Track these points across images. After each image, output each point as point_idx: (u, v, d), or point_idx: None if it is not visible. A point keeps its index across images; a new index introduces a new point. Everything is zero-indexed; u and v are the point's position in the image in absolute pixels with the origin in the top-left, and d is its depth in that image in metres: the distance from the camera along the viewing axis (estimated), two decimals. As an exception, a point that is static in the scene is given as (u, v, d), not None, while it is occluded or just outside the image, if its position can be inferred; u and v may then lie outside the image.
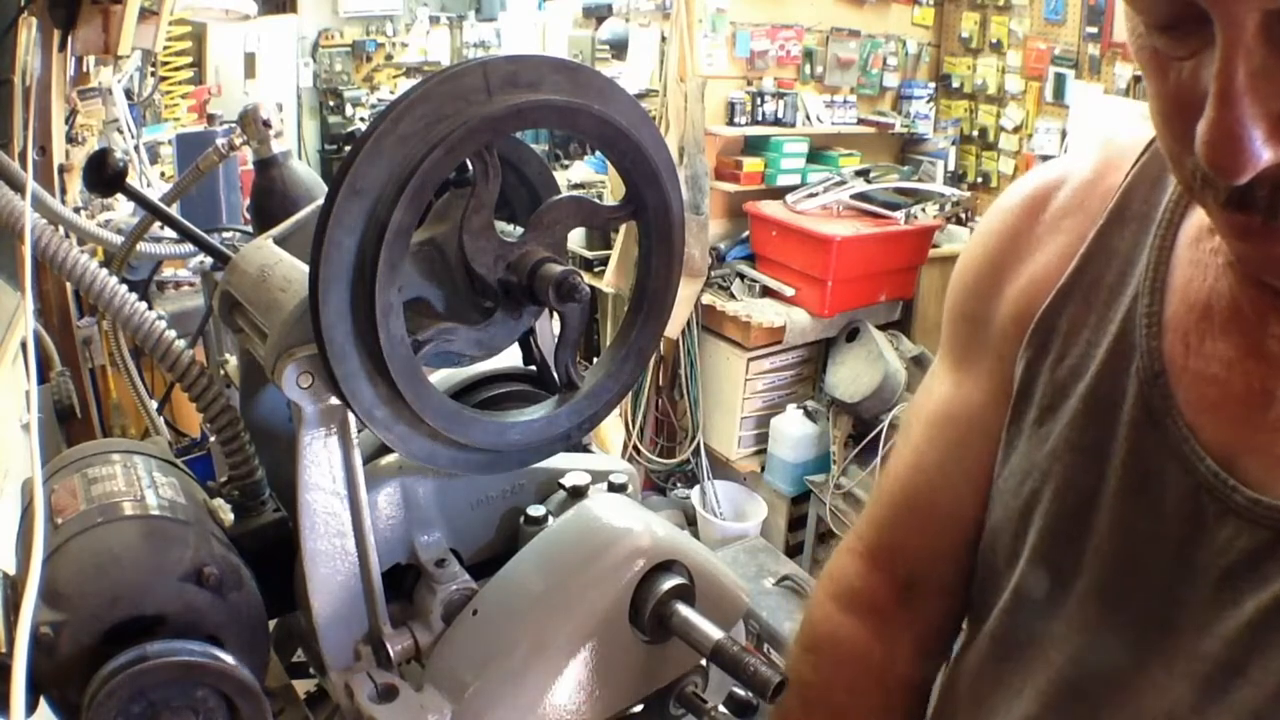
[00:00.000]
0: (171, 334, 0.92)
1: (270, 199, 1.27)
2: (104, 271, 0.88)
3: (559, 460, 1.07)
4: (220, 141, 1.40)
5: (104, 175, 1.07)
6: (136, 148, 3.49)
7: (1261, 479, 0.70)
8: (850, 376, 3.97)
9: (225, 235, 1.66)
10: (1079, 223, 0.86)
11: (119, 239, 1.90)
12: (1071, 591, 0.81)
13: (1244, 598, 0.69)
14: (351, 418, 0.89)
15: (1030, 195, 0.92)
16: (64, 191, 2.74)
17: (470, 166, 0.86)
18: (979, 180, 4.99)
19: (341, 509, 0.92)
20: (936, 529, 1.00)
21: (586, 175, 5.27)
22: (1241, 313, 0.73)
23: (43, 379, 2.27)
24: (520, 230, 0.92)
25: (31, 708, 0.79)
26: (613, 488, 1.11)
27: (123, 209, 3.01)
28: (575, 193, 0.98)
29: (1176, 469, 0.74)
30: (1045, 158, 4.48)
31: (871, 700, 1.05)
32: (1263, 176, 0.57)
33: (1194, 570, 0.72)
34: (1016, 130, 4.74)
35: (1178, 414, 0.74)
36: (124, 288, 0.89)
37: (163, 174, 4.03)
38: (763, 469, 4.39)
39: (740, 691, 1.22)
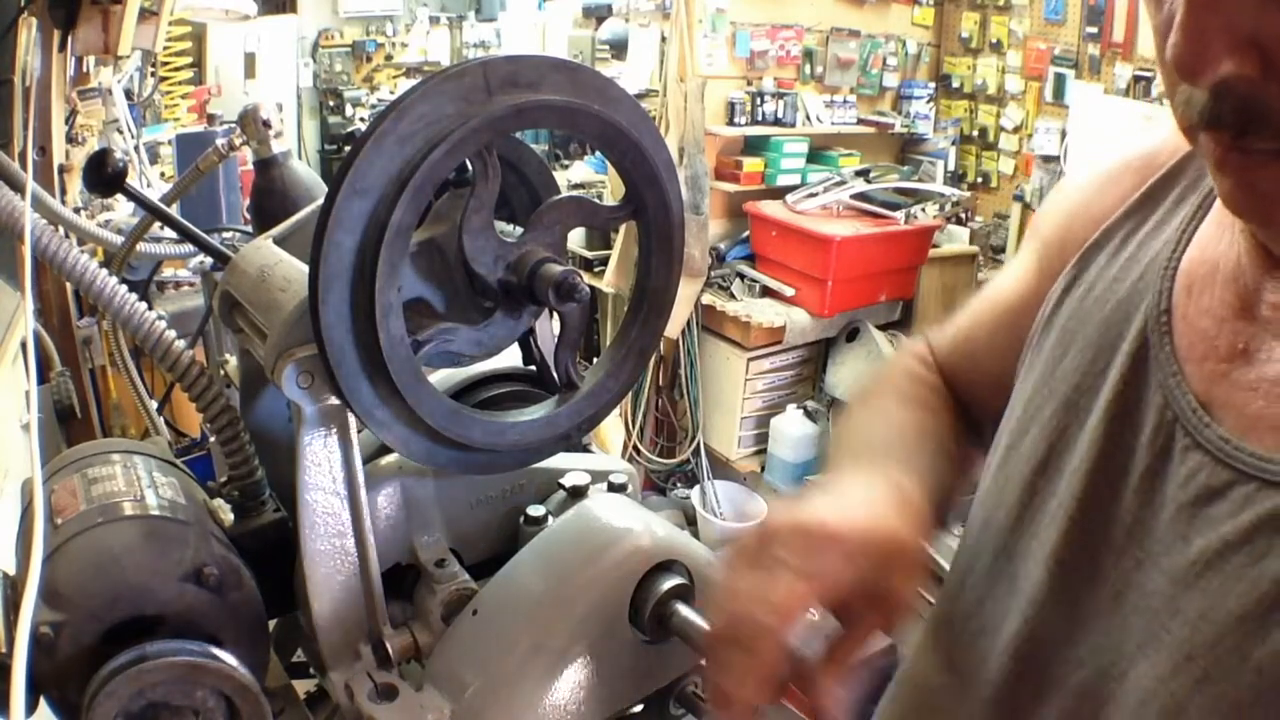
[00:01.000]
0: (171, 334, 0.92)
1: (270, 199, 1.27)
2: (104, 271, 0.88)
3: (559, 460, 1.07)
4: (220, 142, 1.40)
5: (104, 175, 1.07)
6: (136, 148, 3.49)
7: (1232, 432, 0.72)
8: (850, 376, 3.97)
9: (225, 235, 1.66)
10: (1140, 178, 0.89)
11: (119, 239, 1.90)
12: (1046, 511, 0.83)
13: (1192, 535, 0.70)
14: (351, 418, 0.89)
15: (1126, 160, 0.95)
16: (64, 192, 2.73)
17: (470, 166, 0.86)
18: (979, 180, 4.99)
19: (341, 509, 0.92)
20: (984, 375, 1.04)
21: (586, 175, 5.27)
22: (1242, 274, 0.75)
23: (43, 379, 2.27)
24: (520, 230, 0.92)
25: (31, 708, 0.79)
26: (612, 488, 1.11)
27: (123, 209, 3.01)
28: (575, 193, 0.98)
29: (1159, 399, 0.76)
30: (1045, 158, 4.49)
31: (929, 389, 1.07)
32: (1228, 89, 0.60)
33: (1155, 503, 0.74)
34: (1016, 130, 4.74)
35: (1171, 351, 0.77)
36: (124, 288, 0.89)
37: (163, 174, 4.02)
38: (763, 469, 4.39)
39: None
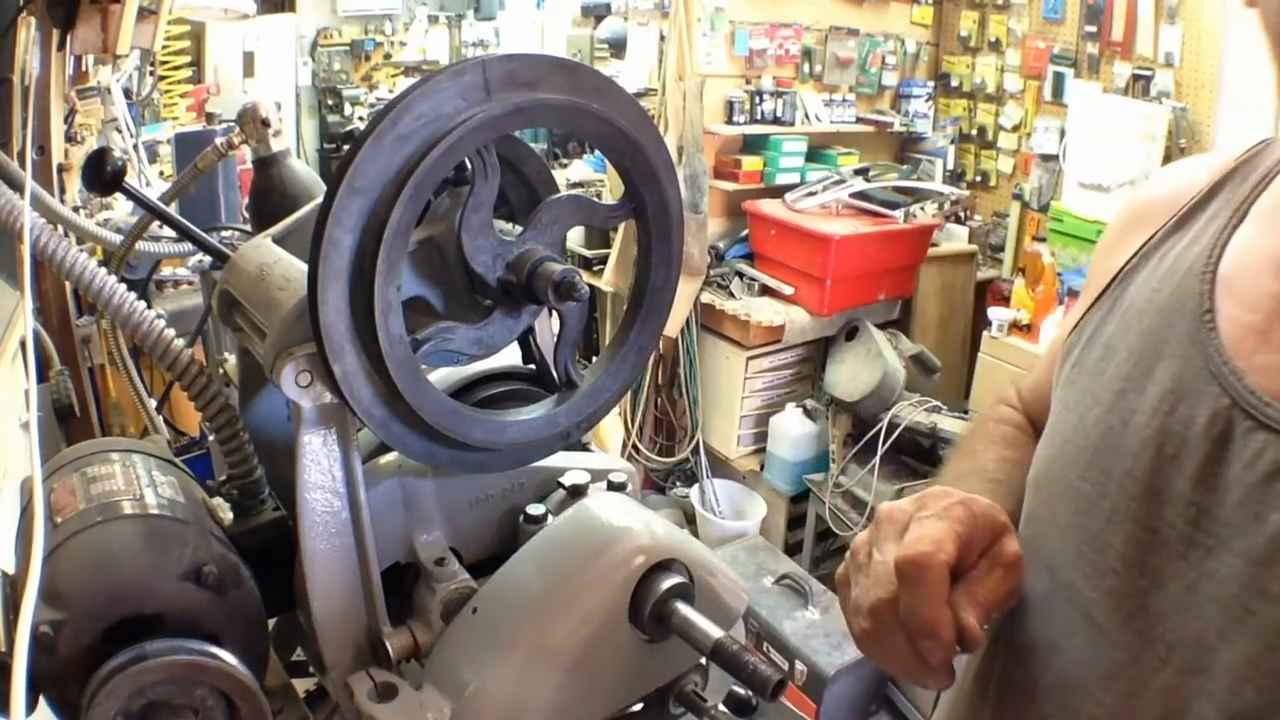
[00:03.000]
0: (170, 332, 0.92)
1: (269, 198, 1.27)
2: (102, 270, 0.88)
3: (558, 459, 1.07)
4: (219, 140, 1.40)
5: (103, 174, 1.07)
6: (135, 147, 3.49)
7: None
8: (849, 375, 3.96)
9: (224, 235, 1.66)
10: (1171, 210, 0.93)
11: (118, 238, 1.90)
12: (1100, 512, 0.83)
13: (1268, 512, 0.70)
14: (350, 416, 0.89)
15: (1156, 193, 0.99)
16: (63, 191, 2.73)
17: (469, 165, 0.86)
18: (978, 179, 4.99)
19: (341, 508, 0.92)
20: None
21: (585, 174, 5.27)
22: None
23: (42, 378, 2.26)
24: (519, 229, 0.92)
25: (31, 707, 0.79)
26: (612, 486, 1.11)
27: (121, 208, 3.01)
28: (574, 191, 0.98)
29: (1214, 389, 0.76)
30: (1044, 156, 4.49)
31: (1014, 427, 1.11)
32: None
33: (1219, 489, 0.74)
34: (1015, 129, 4.74)
35: (1220, 345, 0.78)
36: (122, 286, 0.89)
37: (161, 173, 4.02)
38: (762, 468, 4.38)
39: (740, 690, 1.22)
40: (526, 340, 1.03)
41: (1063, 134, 4.34)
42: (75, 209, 2.46)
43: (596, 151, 4.89)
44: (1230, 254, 0.82)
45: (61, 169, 2.69)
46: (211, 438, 1.00)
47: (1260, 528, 0.71)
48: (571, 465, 1.10)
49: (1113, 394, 0.85)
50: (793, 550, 4.28)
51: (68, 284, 2.35)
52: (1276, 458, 0.71)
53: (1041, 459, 0.93)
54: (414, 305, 0.90)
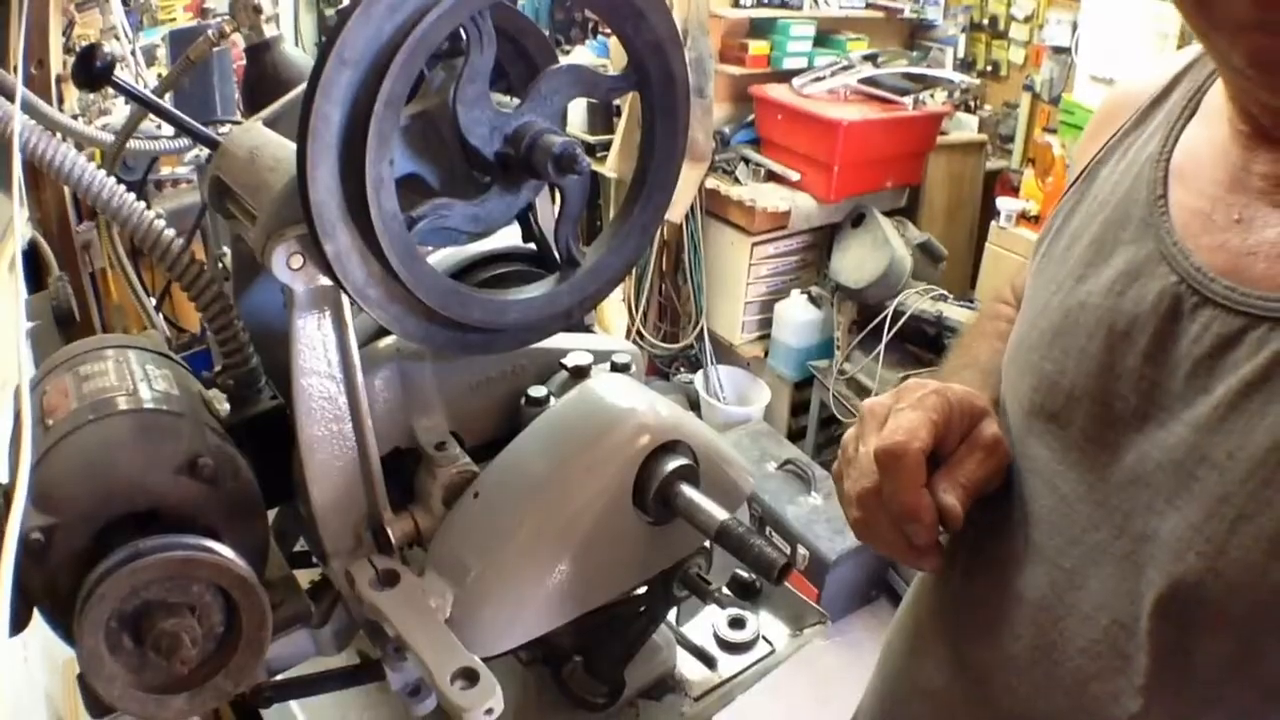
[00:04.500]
0: (161, 223, 0.89)
1: (262, 85, 1.25)
2: (91, 165, 0.85)
3: (560, 340, 1.05)
4: (210, 30, 1.36)
5: (93, 69, 1.04)
6: (133, 52, 3.44)
7: None
8: (855, 262, 3.93)
9: (222, 130, 1.63)
10: (1137, 105, 0.97)
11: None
12: (1061, 390, 0.87)
13: (1214, 383, 0.75)
14: (345, 299, 0.87)
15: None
16: (61, 101, 2.69)
17: (464, 35, 0.82)
18: (988, 69, 4.87)
19: (338, 393, 0.90)
20: None
21: (588, 60, 5.16)
22: (1230, 153, 0.81)
23: (41, 286, 2.25)
24: (517, 103, 0.89)
25: (24, 621, 0.78)
26: (615, 368, 1.10)
27: (120, 113, 2.97)
28: (575, 62, 0.94)
29: (1163, 270, 0.80)
30: (1056, 49, 4.38)
31: (1006, 320, 1.13)
32: None
33: (1168, 364, 0.78)
34: (1028, 20, 4.60)
35: (1171, 228, 0.82)
36: (113, 180, 0.86)
37: (159, 76, 3.95)
38: (766, 354, 4.38)
39: (743, 574, 1.23)
40: (526, 218, 1.01)
41: (1075, 28, 4.22)
42: (74, 117, 2.41)
43: (599, 37, 4.80)
44: (1182, 144, 0.87)
45: (59, 80, 2.64)
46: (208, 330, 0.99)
47: (1205, 398, 0.75)
48: (574, 346, 1.08)
49: (1074, 279, 0.89)
50: (796, 436, 4.30)
51: (67, 191, 2.32)
52: (1221, 331, 0.75)
53: (1011, 343, 0.98)
54: (408, 184, 0.87)
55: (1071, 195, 0.97)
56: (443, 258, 1.04)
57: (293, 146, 0.85)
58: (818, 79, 4.16)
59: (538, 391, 1.04)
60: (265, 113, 1.03)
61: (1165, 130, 0.89)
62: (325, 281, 0.85)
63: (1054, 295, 0.91)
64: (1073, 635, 0.84)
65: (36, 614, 0.80)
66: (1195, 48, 0.93)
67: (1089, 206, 0.93)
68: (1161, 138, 0.88)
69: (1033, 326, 0.92)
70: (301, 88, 1.02)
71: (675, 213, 4.05)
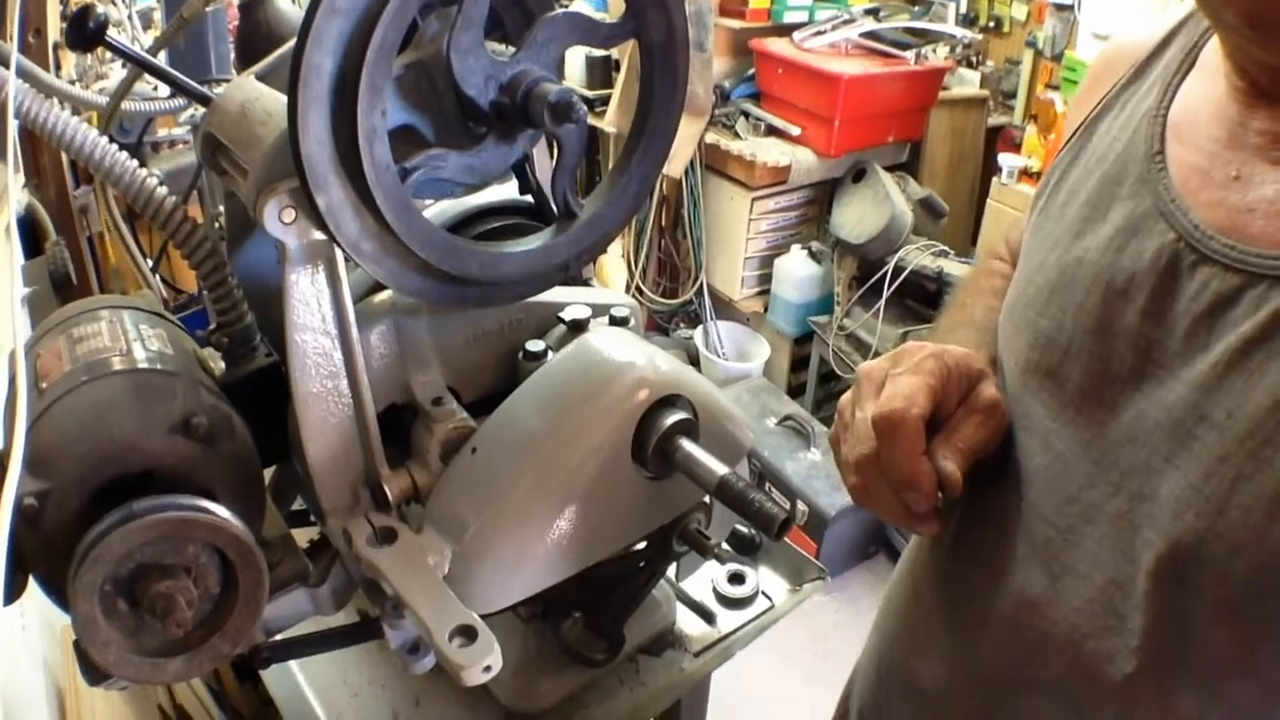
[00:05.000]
0: (153, 181, 0.88)
1: (256, 41, 1.23)
2: (85, 127, 0.84)
3: (558, 294, 1.04)
4: (204, -13, 1.34)
5: (85, 31, 1.02)
6: (130, 17, 3.41)
7: None
8: (856, 218, 3.90)
9: (218, 91, 1.61)
10: (1134, 60, 0.96)
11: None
12: (1058, 347, 0.86)
13: (1213, 341, 0.74)
14: (339, 253, 0.86)
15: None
16: (59, 67, 2.67)
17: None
18: (990, 24, 4.81)
19: (333, 349, 0.89)
20: None
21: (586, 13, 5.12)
22: (1228, 109, 0.80)
23: (39, 251, 2.24)
24: (513, 51, 0.87)
25: (19, 588, 0.78)
26: (614, 321, 1.09)
27: (117, 78, 2.94)
28: (572, 9, 0.92)
29: (1162, 226, 0.80)
30: (1059, 6, 4.33)
31: (1001, 277, 1.13)
32: None
33: (1167, 322, 0.78)
34: (1031, -27, 4.57)
35: (1170, 185, 0.81)
36: (105, 140, 0.85)
37: (156, 39, 3.93)
38: (766, 309, 4.36)
39: (743, 529, 1.22)
40: (523, 170, 0.99)
41: (1078, -16, 4.18)
42: (71, 83, 2.39)
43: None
44: (1179, 99, 0.86)
45: (57, 47, 2.62)
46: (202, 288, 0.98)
47: (1204, 356, 0.74)
48: (572, 300, 1.07)
49: (1071, 235, 0.88)
50: (796, 392, 4.29)
51: (64, 156, 2.30)
52: (1220, 289, 0.74)
53: (1008, 300, 0.97)
54: (402, 135, 0.85)
55: (1069, 150, 0.96)
56: (438, 211, 1.03)
57: (284, 99, 0.84)
58: (819, 33, 4.12)
59: (535, 345, 1.03)
60: (258, 67, 1.01)
61: (1163, 84, 0.88)
62: (318, 236, 0.83)
63: (1051, 252, 0.90)
64: (1068, 594, 0.83)
65: (33, 582, 0.79)
66: (1190, 2, 0.92)
67: (1086, 162, 0.92)
68: (1159, 92, 0.87)
69: (1029, 283, 0.91)
70: (294, 41, 1.01)
71: (675, 168, 4.02)
